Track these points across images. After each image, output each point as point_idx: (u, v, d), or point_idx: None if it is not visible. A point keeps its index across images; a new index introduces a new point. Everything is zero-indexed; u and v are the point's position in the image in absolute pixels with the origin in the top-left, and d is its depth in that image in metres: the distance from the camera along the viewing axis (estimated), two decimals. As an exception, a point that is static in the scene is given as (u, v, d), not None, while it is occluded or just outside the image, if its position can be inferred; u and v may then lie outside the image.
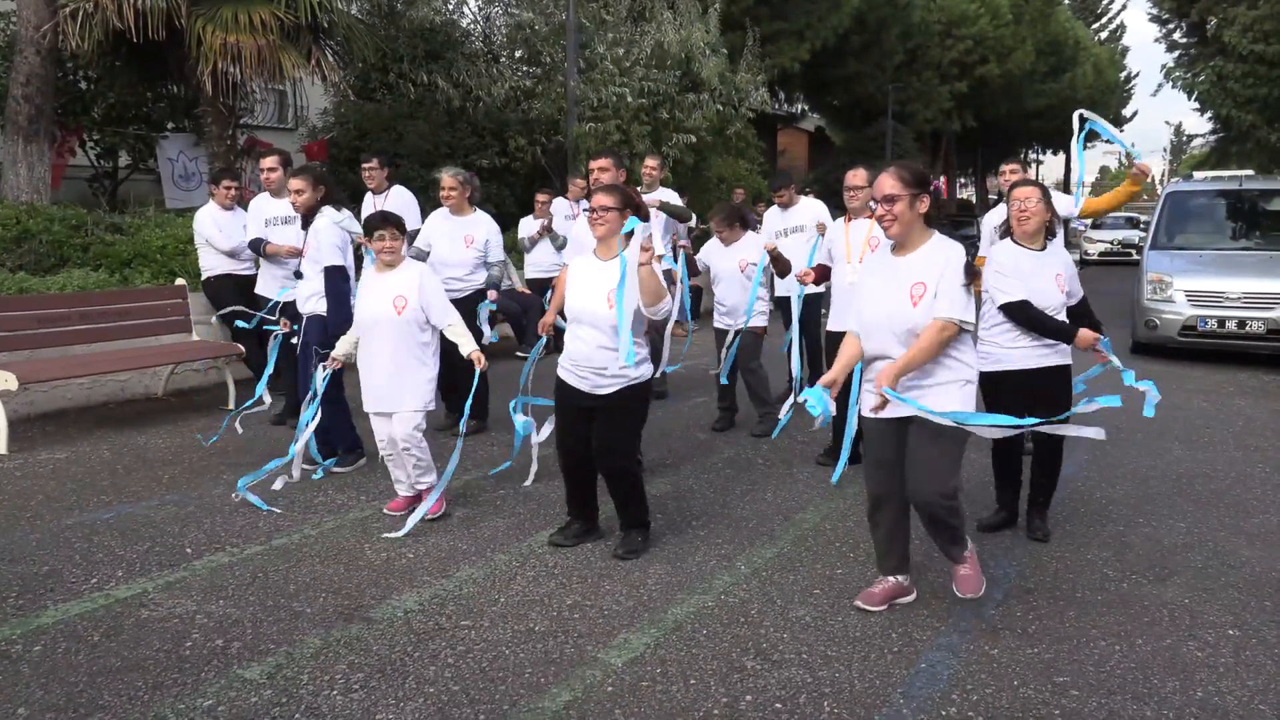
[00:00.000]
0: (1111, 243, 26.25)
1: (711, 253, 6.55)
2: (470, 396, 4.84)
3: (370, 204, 6.98)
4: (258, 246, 6.47)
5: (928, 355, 3.29)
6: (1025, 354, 4.21)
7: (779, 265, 5.93)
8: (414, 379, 4.56)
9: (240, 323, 6.45)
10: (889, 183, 3.34)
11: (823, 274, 5.46)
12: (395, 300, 4.49)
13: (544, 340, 4.91)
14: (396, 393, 4.54)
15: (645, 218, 4.24)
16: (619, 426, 4.10)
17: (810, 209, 6.85)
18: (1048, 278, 4.18)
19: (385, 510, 4.76)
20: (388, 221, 4.53)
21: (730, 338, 6.42)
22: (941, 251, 3.36)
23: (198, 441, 5.04)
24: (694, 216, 7.30)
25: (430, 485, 4.66)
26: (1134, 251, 22.87)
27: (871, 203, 3.42)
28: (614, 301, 3.94)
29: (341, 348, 4.79)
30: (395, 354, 4.53)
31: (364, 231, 4.60)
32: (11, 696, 2.95)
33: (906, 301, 3.32)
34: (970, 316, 3.32)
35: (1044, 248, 4.23)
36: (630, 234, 3.97)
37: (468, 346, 4.62)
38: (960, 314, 3.27)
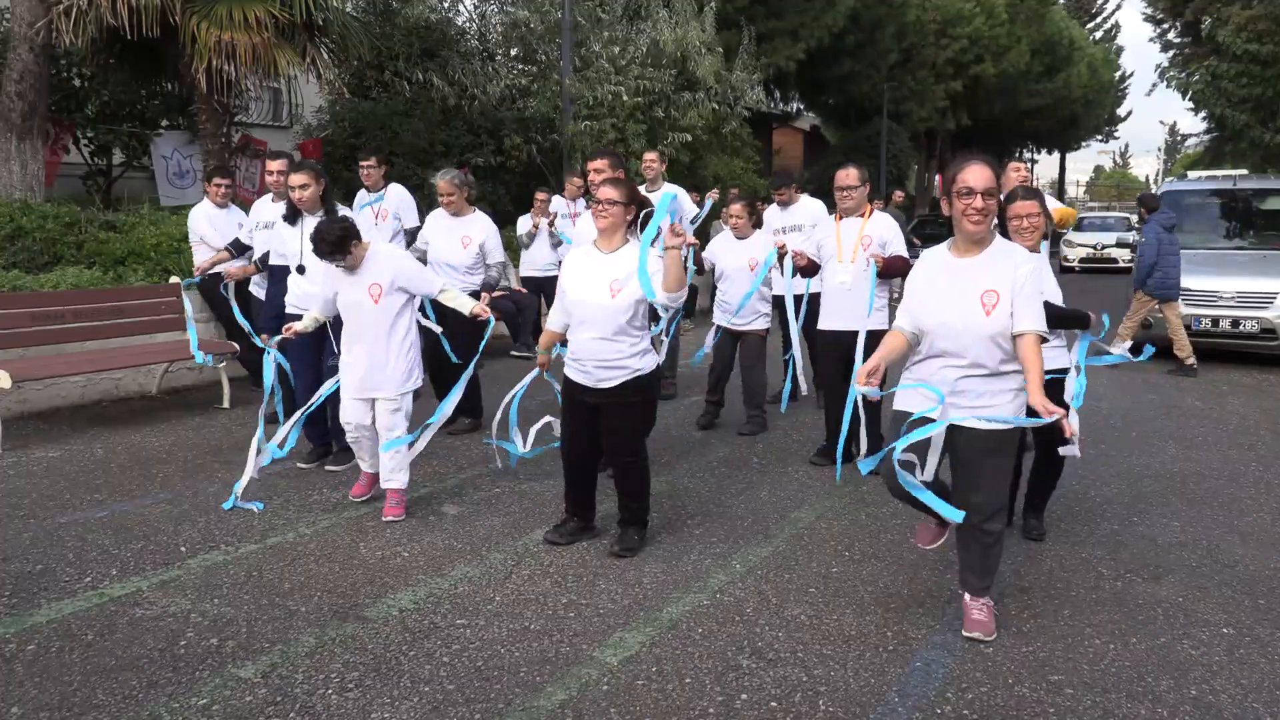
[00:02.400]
0: (1095, 246, 22.16)
1: (720, 249, 6.47)
2: (480, 351, 4.89)
3: (365, 202, 6.97)
4: (238, 246, 6.50)
5: (1041, 371, 3.19)
6: None
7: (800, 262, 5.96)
8: (393, 366, 4.63)
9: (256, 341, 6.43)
10: (990, 175, 3.16)
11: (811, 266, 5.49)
12: (370, 289, 4.56)
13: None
14: (378, 380, 4.62)
15: (648, 216, 4.23)
16: (626, 421, 4.10)
17: (809, 208, 6.87)
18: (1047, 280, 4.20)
19: (350, 495, 4.86)
20: (336, 253, 4.47)
21: (720, 334, 6.39)
22: (1011, 258, 3.24)
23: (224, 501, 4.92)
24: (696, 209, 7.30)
25: (399, 486, 4.66)
26: (1128, 252, 21.47)
27: (961, 190, 3.16)
28: (616, 291, 3.96)
29: (304, 323, 4.83)
30: (375, 341, 4.60)
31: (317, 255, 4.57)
32: (5, 696, 2.94)
33: (979, 309, 3.21)
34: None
35: (1038, 251, 4.24)
36: (643, 221, 4.01)
37: (467, 305, 4.82)
38: (1044, 325, 3.20)
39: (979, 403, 3.28)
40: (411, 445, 4.73)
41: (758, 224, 6.47)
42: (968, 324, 3.23)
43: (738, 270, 6.30)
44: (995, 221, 3.48)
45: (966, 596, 3.47)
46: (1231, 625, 3.53)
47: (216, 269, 7.20)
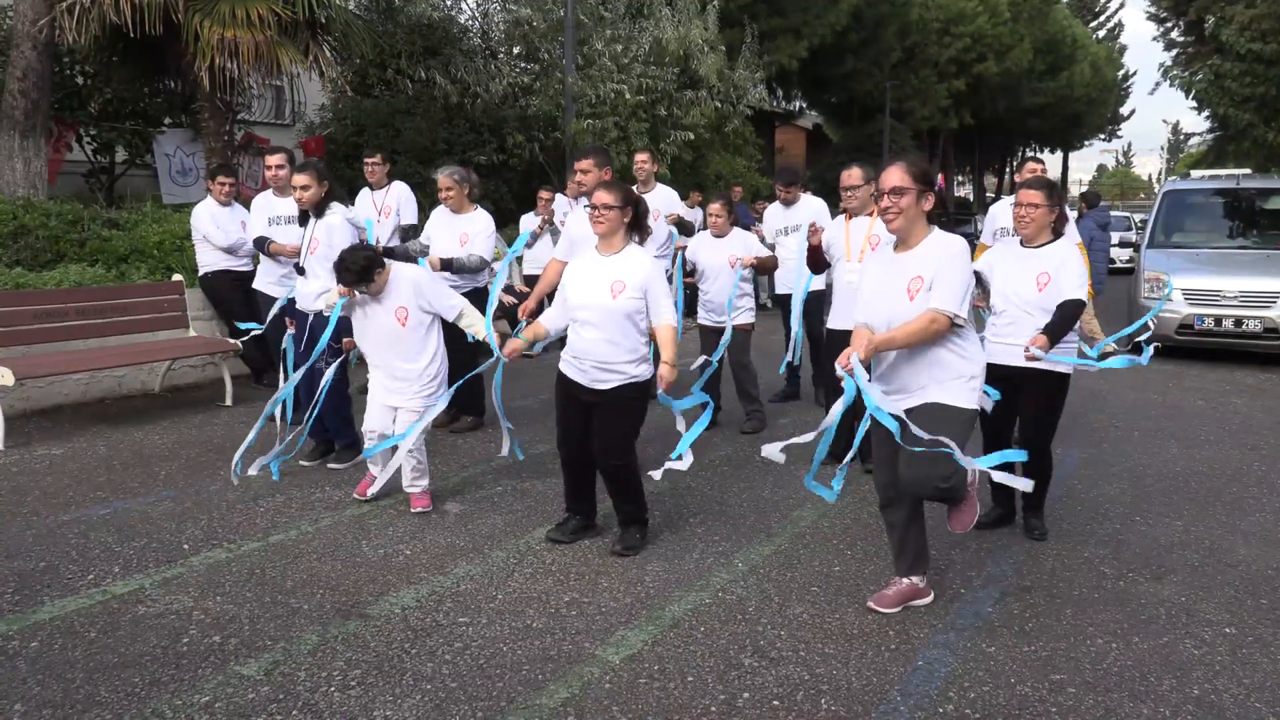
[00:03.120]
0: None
1: (699, 248, 6.45)
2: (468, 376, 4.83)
3: (368, 199, 6.98)
4: (262, 245, 6.47)
5: (909, 341, 3.24)
6: (1006, 350, 4.20)
7: (764, 264, 5.99)
8: (420, 377, 4.64)
9: (250, 325, 6.38)
10: (897, 175, 3.30)
11: (818, 255, 5.39)
12: (397, 312, 4.58)
13: (543, 344, 4.86)
14: (402, 390, 4.66)
15: (645, 214, 4.23)
16: (617, 424, 4.10)
17: (811, 207, 6.87)
18: (1025, 274, 4.18)
19: (355, 494, 4.88)
20: (360, 280, 4.46)
21: (724, 335, 6.38)
22: (940, 246, 3.34)
23: (231, 475, 4.86)
24: (694, 226, 7.32)
25: (424, 489, 4.73)
26: (1127, 252, 20.34)
27: (874, 193, 3.40)
28: (618, 293, 3.96)
29: (330, 297, 4.73)
30: (402, 359, 4.63)
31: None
32: (8, 693, 2.94)
33: (904, 296, 3.31)
34: (964, 311, 3.25)
35: (1046, 244, 4.22)
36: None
37: (481, 331, 4.74)
38: (952, 307, 3.21)
39: (928, 387, 3.34)
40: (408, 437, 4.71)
41: (735, 222, 6.50)
42: (894, 313, 3.31)
43: (718, 268, 6.29)
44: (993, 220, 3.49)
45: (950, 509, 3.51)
46: (1234, 625, 3.53)
47: (222, 264, 7.22)
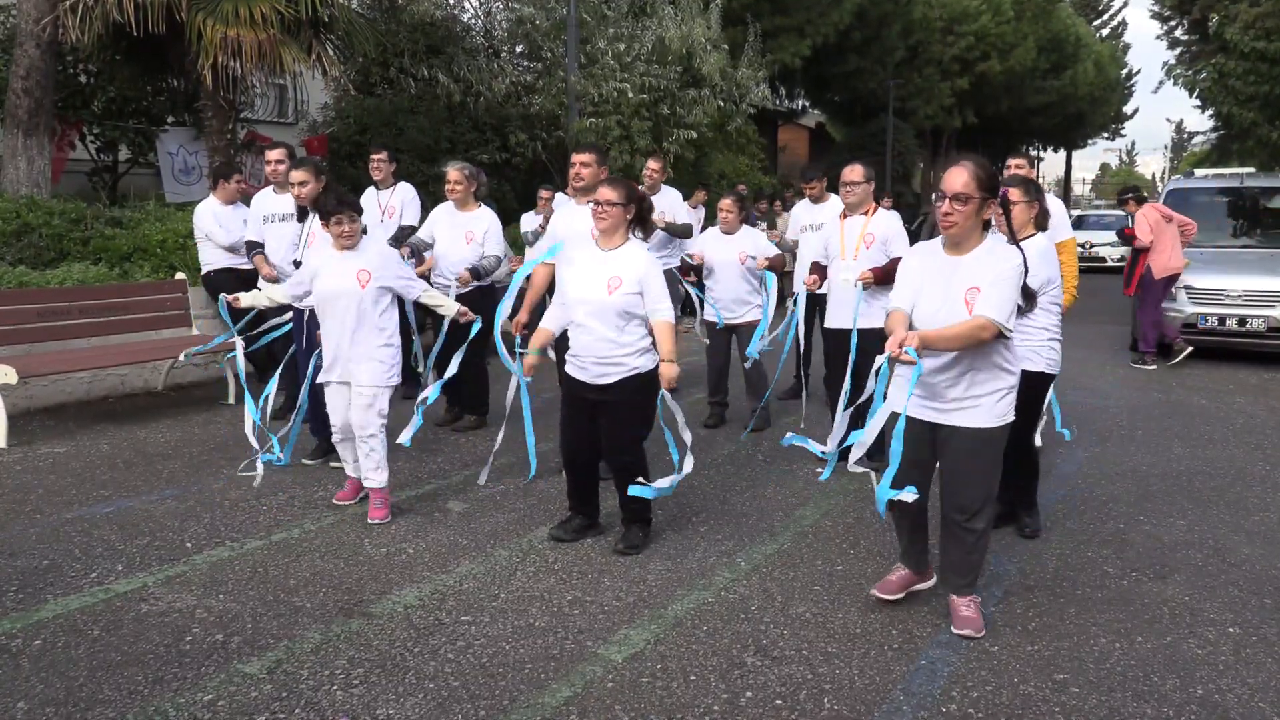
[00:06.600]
0: (1084, 245, 19.44)
1: (708, 244, 6.45)
2: (462, 351, 4.74)
3: (373, 198, 6.97)
4: (251, 250, 6.47)
5: (951, 345, 3.11)
6: None
7: (774, 264, 6.03)
8: (375, 354, 4.49)
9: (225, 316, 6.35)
10: (964, 180, 3.14)
11: (823, 274, 5.48)
12: (359, 274, 4.44)
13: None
14: (355, 365, 4.48)
15: (650, 210, 4.23)
16: (625, 420, 4.09)
17: (838, 207, 6.87)
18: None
19: (334, 501, 4.77)
20: (344, 205, 4.43)
21: (729, 334, 6.39)
22: (997, 255, 3.20)
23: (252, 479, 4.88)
24: (693, 230, 7.30)
25: (379, 486, 4.56)
26: (1119, 251, 19.42)
27: (935, 195, 3.23)
28: (614, 288, 3.96)
29: (249, 299, 4.79)
30: (356, 329, 4.46)
31: (320, 216, 4.49)
32: (11, 691, 2.95)
33: (962, 307, 3.18)
34: (1013, 324, 3.15)
35: (1029, 236, 4.21)
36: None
37: (450, 308, 4.71)
38: (1003, 319, 3.10)
39: (966, 400, 3.27)
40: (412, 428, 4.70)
41: (746, 219, 6.51)
42: (950, 321, 3.17)
43: (726, 265, 6.30)
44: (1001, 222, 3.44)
45: (952, 595, 3.49)
46: (1238, 625, 3.52)
47: (225, 263, 7.21)
